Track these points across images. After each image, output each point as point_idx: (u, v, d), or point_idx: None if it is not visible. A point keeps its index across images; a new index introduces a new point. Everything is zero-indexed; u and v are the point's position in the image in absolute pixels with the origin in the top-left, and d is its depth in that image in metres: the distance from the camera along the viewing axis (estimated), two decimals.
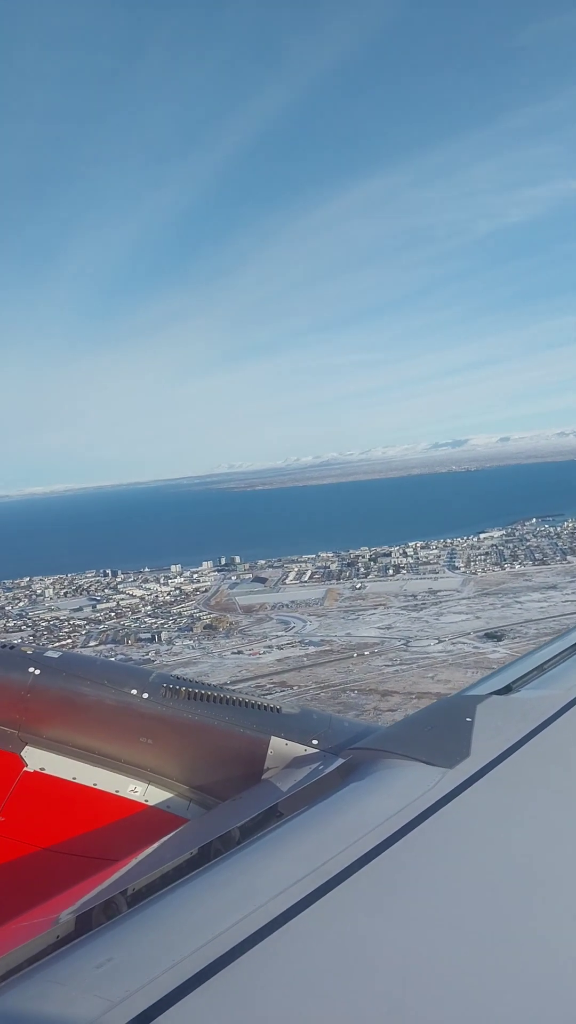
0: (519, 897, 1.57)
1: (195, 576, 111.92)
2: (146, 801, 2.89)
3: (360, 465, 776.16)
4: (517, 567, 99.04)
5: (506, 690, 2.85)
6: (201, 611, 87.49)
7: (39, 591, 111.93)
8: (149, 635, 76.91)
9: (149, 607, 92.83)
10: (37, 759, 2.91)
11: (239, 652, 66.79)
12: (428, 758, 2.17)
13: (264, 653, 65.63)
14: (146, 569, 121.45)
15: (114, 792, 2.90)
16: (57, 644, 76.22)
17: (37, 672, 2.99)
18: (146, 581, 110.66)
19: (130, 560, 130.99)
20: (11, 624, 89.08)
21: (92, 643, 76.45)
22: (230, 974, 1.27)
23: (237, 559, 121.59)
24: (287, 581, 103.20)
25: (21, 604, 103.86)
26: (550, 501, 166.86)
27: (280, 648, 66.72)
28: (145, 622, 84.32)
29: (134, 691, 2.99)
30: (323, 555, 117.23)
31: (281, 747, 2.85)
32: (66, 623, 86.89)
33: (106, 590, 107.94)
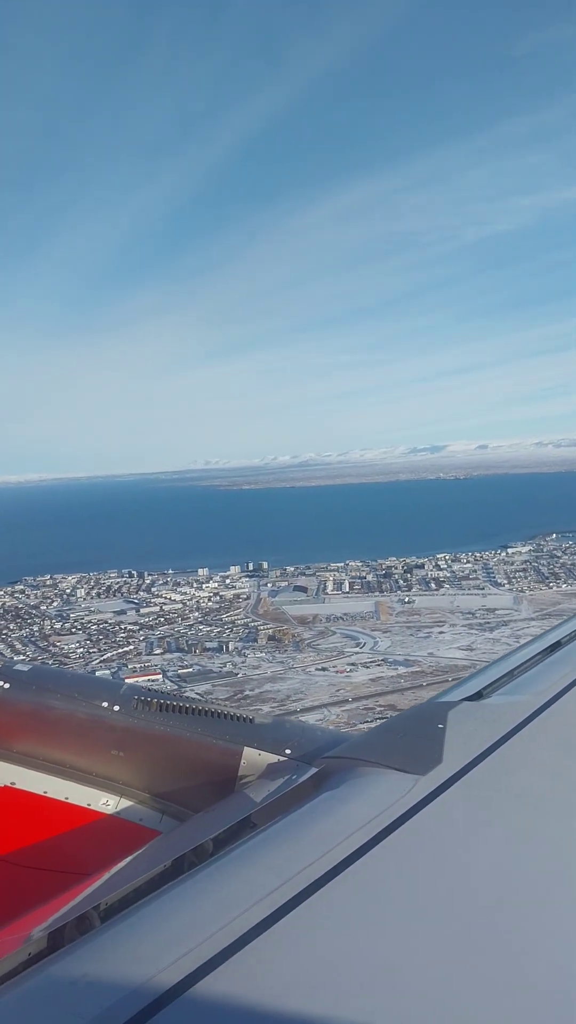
0: (492, 902, 1.58)
1: (227, 581, 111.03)
2: (118, 814, 2.88)
3: (340, 467, 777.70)
4: (564, 587, 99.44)
5: (477, 696, 2.83)
6: (254, 620, 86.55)
7: (68, 590, 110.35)
8: (215, 645, 75.82)
9: (197, 613, 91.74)
10: (7, 773, 2.91)
11: (324, 669, 65.95)
12: (401, 765, 2.16)
13: (351, 671, 64.86)
14: (170, 571, 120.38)
15: (86, 805, 2.89)
16: (118, 651, 76.12)
17: (6, 686, 3.02)
18: (178, 585, 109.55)
19: (148, 560, 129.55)
20: (59, 626, 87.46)
21: (157, 651, 75.34)
22: (207, 987, 1.26)
23: (265, 564, 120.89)
24: (328, 591, 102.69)
25: (55, 604, 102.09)
26: (558, 515, 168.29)
27: (365, 667, 65.51)
28: (200, 630, 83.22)
29: (105, 704, 3.00)
30: (352, 564, 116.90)
31: (254, 757, 2.83)
32: (117, 628, 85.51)
33: (140, 592, 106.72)
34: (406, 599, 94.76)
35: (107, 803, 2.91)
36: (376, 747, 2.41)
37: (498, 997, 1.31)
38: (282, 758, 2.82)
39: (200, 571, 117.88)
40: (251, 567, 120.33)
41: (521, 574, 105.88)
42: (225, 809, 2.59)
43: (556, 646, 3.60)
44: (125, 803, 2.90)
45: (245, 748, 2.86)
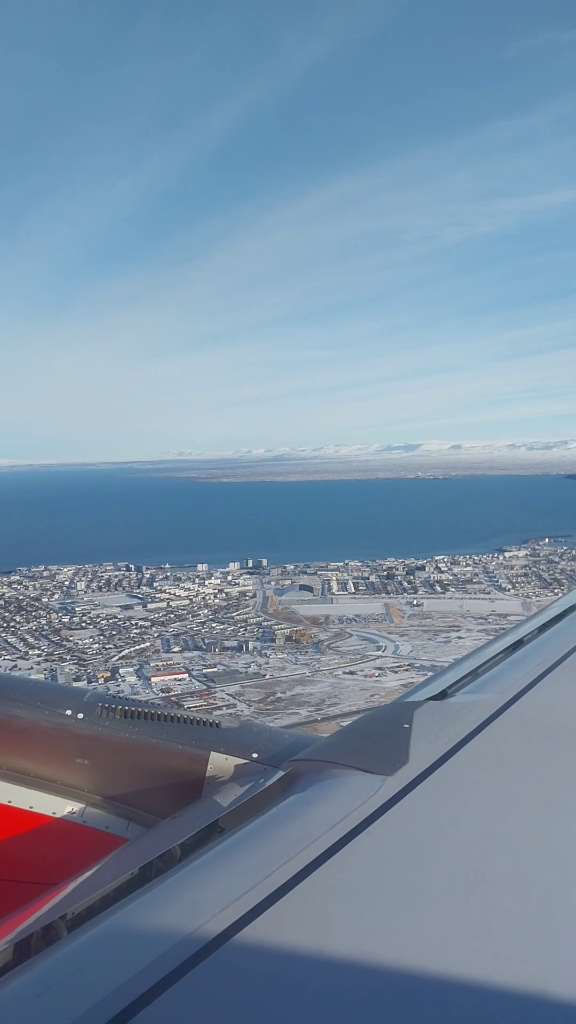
0: (461, 900, 1.59)
1: (229, 578, 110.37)
2: (84, 822, 2.87)
3: (316, 463, 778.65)
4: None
5: (442, 695, 2.88)
6: (266, 619, 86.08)
7: (66, 582, 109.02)
8: (234, 644, 75.35)
9: (206, 611, 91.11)
10: None
11: (351, 672, 65.79)
12: (367, 766, 2.18)
13: (379, 676, 64.71)
14: (167, 565, 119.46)
15: (51, 814, 2.87)
16: (135, 648, 75.20)
17: None
18: (179, 580, 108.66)
19: (143, 554, 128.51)
20: (67, 620, 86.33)
21: (175, 649, 74.59)
22: (176, 994, 1.25)
23: (264, 562, 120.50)
24: (334, 591, 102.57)
25: (56, 596, 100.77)
26: (547, 519, 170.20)
27: (393, 671, 65.14)
28: (214, 628, 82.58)
29: (69, 711, 3.00)
30: (352, 564, 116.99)
31: (221, 762, 2.84)
32: (128, 623, 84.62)
33: (142, 587, 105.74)
34: (414, 602, 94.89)
35: (73, 811, 2.88)
36: (342, 748, 2.43)
37: (470, 998, 1.30)
38: (249, 762, 2.82)
39: (199, 567, 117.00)
40: (250, 564, 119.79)
41: (523, 579, 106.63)
42: (192, 814, 2.57)
43: (518, 644, 3.66)
44: (91, 811, 2.88)
45: (211, 753, 2.86)
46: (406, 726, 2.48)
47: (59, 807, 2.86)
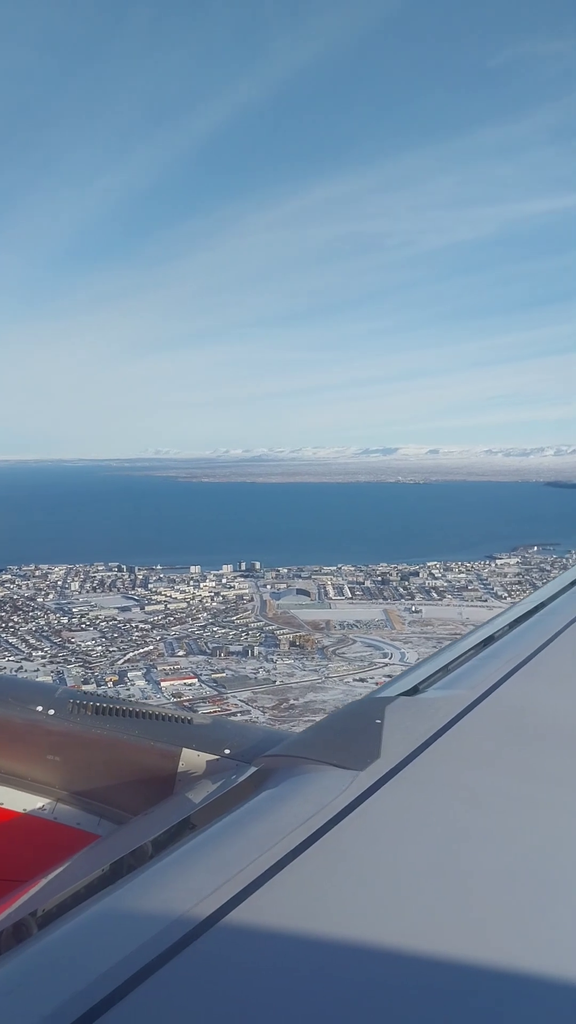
0: (431, 895, 1.60)
1: (224, 580, 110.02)
2: (55, 819, 2.89)
3: (294, 464, 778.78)
4: None
5: (414, 691, 2.91)
6: (267, 624, 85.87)
7: (59, 582, 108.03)
8: (240, 649, 75.04)
9: (205, 614, 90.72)
10: None
11: (362, 680, 65.73)
12: (339, 761, 2.20)
13: None
14: (159, 567, 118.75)
15: (21, 811, 2.89)
16: (139, 651, 74.59)
17: None
18: (173, 582, 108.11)
19: (133, 554, 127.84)
20: (66, 621, 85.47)
21: (179, 653, 74.11)
22: (147, 991, 1.25)
23: (257, 565, 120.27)
24: (330, 596, 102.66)
25: (51, 596, 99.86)
26: (533, 527, 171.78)
27: None
28: (215, 632, 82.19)
29: (40, 708, 3.03)
30: (345, 568, 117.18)
31: (192, 758, 2.87)
32: (129, 626, 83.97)
33: (137, 588, 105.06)
34: (412, 608, 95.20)
35: (43, 808, 2.88)
36: (314, 744, 2.43)
37: (442, 990, 1.31)
38: (221, 758, 2.84)
39: (192, 568, 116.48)
40: (244, 567, 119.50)
41: (518, 587, 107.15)
42: (164, 811, 2.58)
43: (489, 640, 3.70)
44: (62, 807, 2.88)
45: (183, 749, 2.86)
46: (378, 721, 2.47)
47: (29, 803, 2.85)
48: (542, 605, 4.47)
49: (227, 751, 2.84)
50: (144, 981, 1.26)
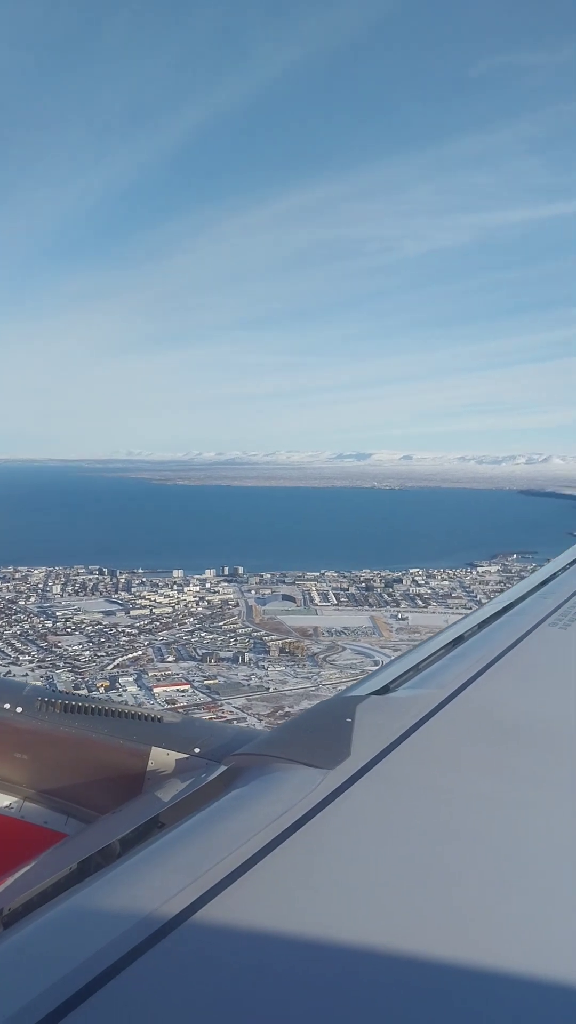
0: (401, 894, 1.60)
1: (207, 585, 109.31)
2: (22, 817, 2.91)
3: (269, 468, 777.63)
4: None
5: (384, 690, 2.96)
6: (256, 630, 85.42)
7: (39, 584, 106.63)
8: (230, 655, 74.48)
9: (192, 619, 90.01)
10: None
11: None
12: (309, 760, 2.22)
13: None
14: (140, 570, 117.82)
15: None
16: (127, 656, 73.68)
17: None
18: (156, 586, 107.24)
19: (113, 557, 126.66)
20: (50, 625, 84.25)
21: (169, 658, 73.39)
22: (114, 990, 1.25)
23: (240, 570, 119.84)
24: (316, 602, 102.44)
25: (33, 599, 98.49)
26: (510, 535, 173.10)
27: None
28: (203, 637, 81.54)
29: (7, 705, 3.05)
30: (328, 574, 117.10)
31: (162, 757, 2.89)
32: (115, 630, 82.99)
33: (120, 592, 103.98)
34: (399, 615, 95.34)
35: (10, 806, 2.88)
36: (285, 742, 2.45)
37: (412, 988, 1.31)
38: (190, 756, 2.85)
39: (175, 573, 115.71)
40: (227, 572, 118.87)
41: (500, 595, 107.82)
42: (132, 809, 2.58)
43: (459, 640, 3.78)
44: (29, 805, 2.90)
45: (153, 748, 2.88)
46: (348, 720, 2.49)
47: None
48: (510, 606, 4.56)
49: (197, 750, 2.84)
50: (111, 980, 1.26)
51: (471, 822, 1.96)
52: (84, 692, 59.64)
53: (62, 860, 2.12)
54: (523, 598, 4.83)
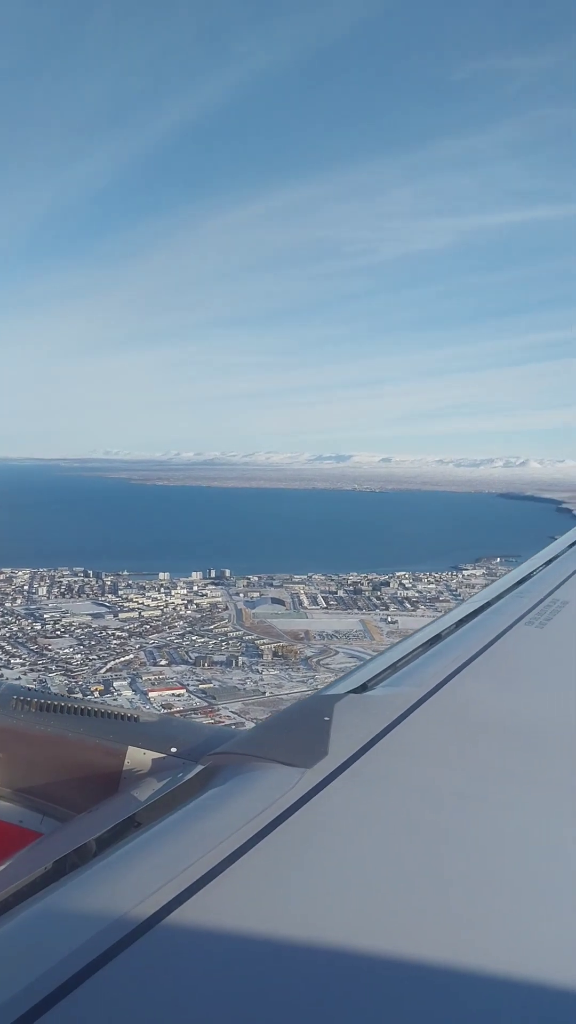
0: (379, 892, 1.62)
1: (195, 588, 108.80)
2: None
3: (248, 469, 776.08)
4: None
5: (362, 688, 2.97)
6: (247, 633, 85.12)
7: (24, 586, 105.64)
8: (223, 659, 74.11)
9: (182, 622, 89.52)
10: None
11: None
12: (287, 759, 2.22)
13: None
14: (126, 572, 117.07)
15: None
16: (119, 660, 73.10)
17: None
18: (143, 589, 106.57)
19: (97, 559, 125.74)
20: (39, 628, 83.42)
21: (162, 662, 72.88)
22: (89, 990, 1.24)
23: (228, 572, 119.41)
24: (305, 605, 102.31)
25: (20, 601, 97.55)
26: (493, 538, 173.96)
27: None
28: (194, 641, 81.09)
29: None
30: (315, 577, 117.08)
31: (139, 756, 2.89)
32: (105, 633, 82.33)
33: (107, 594, 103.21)
34: (388, 619, 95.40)
35: None
36: (262, 741, 2.46)
37: (389, 987, 1.30)
38: (167, 756, 2.86)
39: (161, 575, 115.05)
40: (214, 574, 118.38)
41: None
42: (108, 809, 2.58)
43: (436, 639, 3.81)
44: (4, 805, 2.88)
45: (129, 747, 2.88)
46: (326, 719, 2.48)
47: None
48: (487, 605, 4.57)
49: (174, 749, 2.83)
50: (86, 980, 1.25)
51: (449, 820, 1.97)
52: (79, 696, 58.97)
53: (37, 859, 2.10)
54: (500, 597, 4.83)
